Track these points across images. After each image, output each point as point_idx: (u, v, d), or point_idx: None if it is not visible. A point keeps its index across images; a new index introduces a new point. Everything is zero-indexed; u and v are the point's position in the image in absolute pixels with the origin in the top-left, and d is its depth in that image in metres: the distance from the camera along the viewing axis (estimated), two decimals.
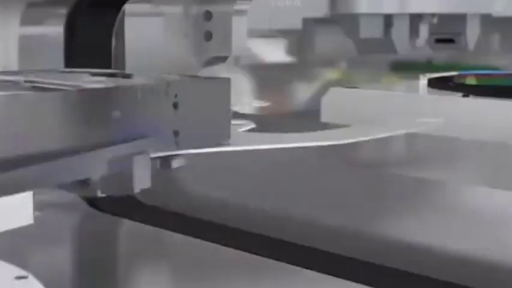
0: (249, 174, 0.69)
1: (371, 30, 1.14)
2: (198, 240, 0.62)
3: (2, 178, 0.36)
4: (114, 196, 0.74)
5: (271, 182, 0.66)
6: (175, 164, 0.49)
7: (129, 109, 0.43)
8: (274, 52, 1.10)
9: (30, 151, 0.38)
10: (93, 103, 0.41)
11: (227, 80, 0.49)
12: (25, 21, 0.74)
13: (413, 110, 0.83)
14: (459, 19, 1.18)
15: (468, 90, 0.95)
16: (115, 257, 0.63)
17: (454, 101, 0.91)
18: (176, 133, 0.47)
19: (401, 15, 1.16)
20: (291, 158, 0.67)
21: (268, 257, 0.57)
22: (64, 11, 0.72)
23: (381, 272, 0.55)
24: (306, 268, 0.55)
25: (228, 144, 0.50)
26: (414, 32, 1.19)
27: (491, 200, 0.54)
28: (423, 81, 1.06)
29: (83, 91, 0.43)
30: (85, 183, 0.42)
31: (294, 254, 0.59)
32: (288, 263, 0.56)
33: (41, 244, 0.64)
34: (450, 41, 1.21)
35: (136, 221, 0.69)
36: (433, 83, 1.04)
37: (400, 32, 1.17)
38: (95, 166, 0.42)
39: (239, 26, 0.84)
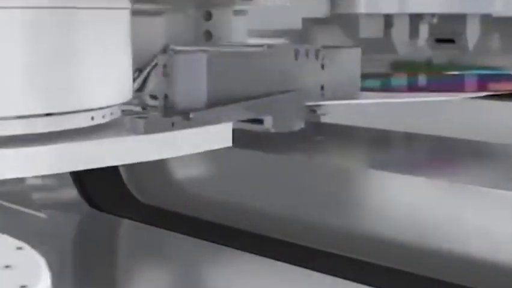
0: (249, 174, 0.69)
1: (370, 30, 1.14)
2: (197, 240, 0.62)
3: (207, 113, 0.52)
4: (114, 196, 0.74)
5: (271, 182, 0.66)
6: (320, 111, 0.61)
7: (291, 67, 0.57)
8: None
9: (232, 95, 0.54)
10: (275, 60, 0.58)
11: (358, 49, 0.64)
12: None
13: None
14: (459, 19, 1.18)
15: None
16: (115, 257, 0.64)
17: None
18: (322, 87, 0.59)
19: (401, 15, 1.16)
20: (290, 158, 0.67)
21: (269, 257, 0.57)
22: None
23: (381, 272, 0.55)
24: (306, 268, 0.55)
25: (359, 98, 0.62)
26: (414, 32, 1.19)
27: (491, 200, 0.54)
28: None
29: (276, 48, 0.60)
30: (260, 121, 0.55)
31: (294, 254, 0.59)
32: (288, 263, 0.56)
33: (41, 243, 0.64)
34: (450, 41, 1.21)
35: (136, 221, 0.69)
36: None
37: (400, 32, 1.17)
38: (268, 108, 0.55)
39: (239, 26, 0.84)
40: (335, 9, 1.09)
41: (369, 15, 1.12)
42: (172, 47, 0.66)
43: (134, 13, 0.75)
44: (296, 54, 0.59)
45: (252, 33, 0.90)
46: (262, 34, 1.02)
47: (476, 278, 0.52)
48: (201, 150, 0.53)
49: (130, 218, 0.70)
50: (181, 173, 0.74)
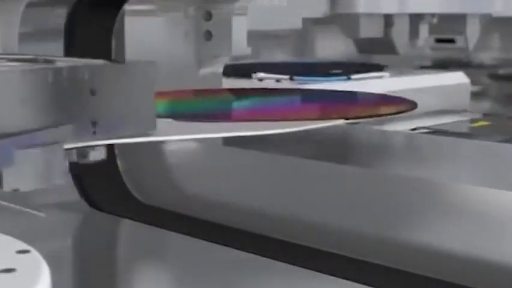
0: (249, 174, 0.69)
1: (370, 30, 1.14)
2: (197, 240, 0.62)
3: None
4: (114, 196, 0.74)
5: (271, 182, 0.66)
6: (93, 156, 0.44)
7: (41, 94, 0.39)
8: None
9: None
10: (15, 84, 0.38)
11: (152, 64, 0.44)
12: (25, 21, 0.74)
13: None
14: (459, 19, 1.18)
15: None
16: (115, 257, 0.64)
17: None
18: (94, 122, 0.42)
19: (401, 15, 1.16)
20: (290, 158, 0.67)
21: (268, 257, 0.57)
22: (64, 11, 0.72)
23: (381, 272, 0.55)
24: (306, 268, 0.55)
25: (150, 134, 0.45)
26: (414, 32, 1.19)
27: (491, 200, 0.54)
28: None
29: None
30: None
31: (294, 254, 0.59)
32: (288, 263, 0.56)
33: (41, 243, 0.64)
34: (450, 41, 1.21)
35: (136, 221, 0.69)
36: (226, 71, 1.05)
37: (400, 32, 1.18)
38: (3, 157, 0.37)
39: (239, 26, 0.84)
40: (335, 9, 1.09)
41: (369, 15, 1.13)
42: None
43: (133, 14, 0.75)
44: (46, 74, 0.39)
45: (252, 33, 0.90)
46: (262, 34, 1.02)
47: (476, 278, 0.52)
48: None
49: (130, 218, 0.70)
50: (181, 173, 0.74)
